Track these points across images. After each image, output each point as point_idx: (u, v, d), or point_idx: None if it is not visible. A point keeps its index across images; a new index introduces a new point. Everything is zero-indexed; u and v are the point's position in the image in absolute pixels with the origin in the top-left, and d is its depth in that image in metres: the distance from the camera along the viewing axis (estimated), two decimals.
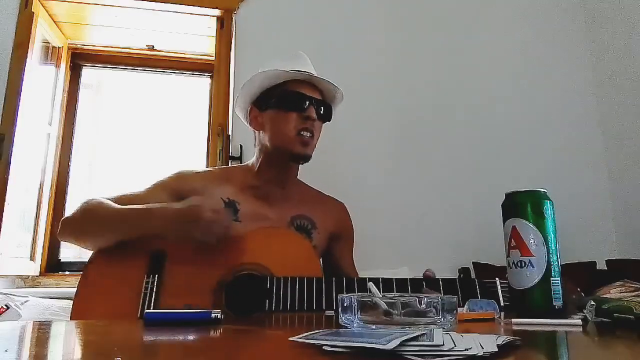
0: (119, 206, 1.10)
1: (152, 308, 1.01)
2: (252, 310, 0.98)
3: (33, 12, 1.87)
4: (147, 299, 1.03)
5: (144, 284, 1.04)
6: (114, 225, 1.09)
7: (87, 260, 1.12)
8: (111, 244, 1.09)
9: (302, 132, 1.17)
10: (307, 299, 0.97)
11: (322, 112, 1.22)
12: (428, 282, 0.99)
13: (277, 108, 1.20)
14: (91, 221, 1.11)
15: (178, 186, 1.20)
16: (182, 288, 1.03)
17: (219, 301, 1.00)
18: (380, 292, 0.85)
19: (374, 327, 0.56)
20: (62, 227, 1.14)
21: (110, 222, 1.09)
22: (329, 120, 1.26)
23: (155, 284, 1.04)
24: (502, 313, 0.82)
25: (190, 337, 0.59)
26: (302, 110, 1.17)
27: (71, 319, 1.02)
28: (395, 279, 0.99)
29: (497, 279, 1.00)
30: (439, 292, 0.98)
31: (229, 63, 1.95)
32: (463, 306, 0.81)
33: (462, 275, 1.04)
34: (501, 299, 0.97)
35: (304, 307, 0.96)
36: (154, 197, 1.17)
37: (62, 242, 2.02)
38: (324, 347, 0.43)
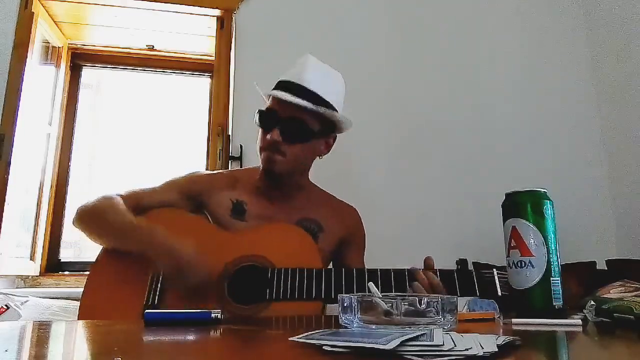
0: (127, 215, 1.10)
1: (157, 303, 1.03)
2: (254, 300, 1.00)
3: (33, 12, 1.87)
4: (152, 295, 1.04)
5: (150, 280, 1.06)
6: (115, 236, 1.11)
7: (87, 260, 1.13)
8: (113, 248, 1.11)
9: (266, 149, 1.16)
10: (306, 289, 1.00)
11: (291, 133, 1.14)
12: (427, 269, 1.01)
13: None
14: (99, 224, 1.13)
15: (188, 187, 1.23)
16: None
17: (222, 292, 1.02)
18: (379, 285, 0.86)
19: (374, 327, 0.56)
20: (77, 216, 1.16)
21: (113, 232, 1.11)
22: (302, 142, 1.17)
23: (160, 280, 1.06)
24: (501, 313, 0.82)
25: (190, 337, 0.59)
26: (267, 129, 1.15)
27: (78, 318, 1.04)
28: (393, 270, 1.00)
29: (494, 269, 1.01)
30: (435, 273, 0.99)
31: (229, 63, 1.95)
32: (460, 297, 0.81)
33: (459, 266, 1.05)
34: (499, 289, 0.97)
35: (304, 297, 0.99)
36: (165, 195, 1.21)
37: (62, 242, 2.03)
38: (324, 347, 0.43)
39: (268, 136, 1.14)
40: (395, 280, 0.99)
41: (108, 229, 1.11)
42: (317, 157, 1.26)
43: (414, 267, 1.02)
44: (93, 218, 1.14)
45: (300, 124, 1.15)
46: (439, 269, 1.01)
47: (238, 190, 1.23)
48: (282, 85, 1.16)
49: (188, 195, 1.22)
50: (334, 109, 1.17)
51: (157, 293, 1.04)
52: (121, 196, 1.17)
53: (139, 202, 1.17)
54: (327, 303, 1.07)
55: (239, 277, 1.04)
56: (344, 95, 1.24)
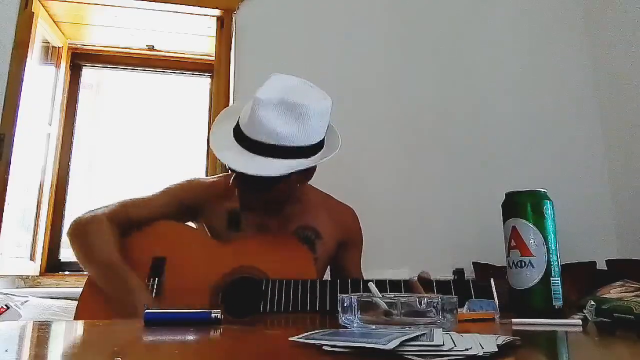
0: (112, 253, 1.06)
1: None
2: (248, 312, 0.99)
3: (33, 12, 1.87)
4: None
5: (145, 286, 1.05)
6: (94, 270, 1.08)
7: None
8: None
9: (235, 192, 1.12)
10: (301, 301, 0.99)
11: (249, 184, 1.06)
12: (422, 284, 0.99)
13: None
14: (83, 252, 1.10)
15: (183, 196, 1.20)
16: (180, 290, 1.04)
17: (216, 303, 1.01)
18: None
19: (374, 327, 0.56)
20: (69, 231, 1.13)
21: (93, 266, 1.08)
22: (263, 191, 1.08)
23: (155, 287, 1.05)
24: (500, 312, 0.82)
25: (190, 337, 0.59)
26: (231, 172, 1.09)
27: (75, 319, 1.03)
28: (389, 281, 0.99)
29: (491, 279, 1.00)
30: (432, 292, 0.98)
31: (229, 63, 1.95)
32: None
33: (456, 277, 1.04)
34: (496, 300, 0.96)
35: (298, 309, 0.98)
36: (161, 204, 1.17)
37: (62, 242, 2.03)
38: (324, 347, 0.43)
39: (230, 182, 1.09)
40: (392, 291, 0.99)
41: (90, 260, 1.08)
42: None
43: (412, 278, 1.00)
44: (80, 243, 1.11)
45: (254, 177, 1.00)
46: (435, 280, 1.01)
47: (234, 199, 1.17)
48: (237, 135, 1.04)
49: (183, 205, 1.18)
50: (299, 149, 1.02)
51: (154, 295, 1.04)
52: (114, 211, 1.12)
53: (131, 216, 1.13)
54: (322, 314, 1.06)
55: (233, 289, 1.03)
56: (327, 112, 1.05)
